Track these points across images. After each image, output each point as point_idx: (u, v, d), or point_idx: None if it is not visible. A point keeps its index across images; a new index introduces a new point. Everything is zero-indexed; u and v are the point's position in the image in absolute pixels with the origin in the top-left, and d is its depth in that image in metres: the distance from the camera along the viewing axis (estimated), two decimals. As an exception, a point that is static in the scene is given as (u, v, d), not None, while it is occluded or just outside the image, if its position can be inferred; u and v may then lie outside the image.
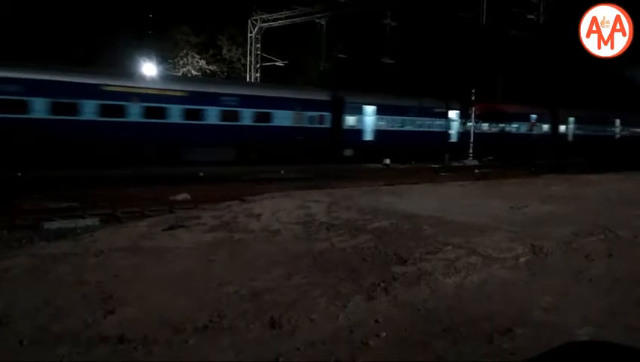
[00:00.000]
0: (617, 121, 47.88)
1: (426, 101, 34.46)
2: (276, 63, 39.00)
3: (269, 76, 38.96)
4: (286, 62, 39.13)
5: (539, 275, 5.41)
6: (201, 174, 21.47)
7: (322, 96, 30.80)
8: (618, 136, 48.27)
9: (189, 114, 25.43)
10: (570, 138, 42.51)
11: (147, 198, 14.51)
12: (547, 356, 2.32)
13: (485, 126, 38.08)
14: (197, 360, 3.54)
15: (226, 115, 26.57)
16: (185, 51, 39.92)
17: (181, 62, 39.77)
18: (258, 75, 39.39)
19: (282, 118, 28.45)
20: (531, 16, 33.91)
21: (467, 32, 34.42)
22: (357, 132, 31.44)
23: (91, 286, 4.86)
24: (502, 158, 34.14)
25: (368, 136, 31.92)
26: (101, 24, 32.73)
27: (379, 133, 32.12)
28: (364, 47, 39.25)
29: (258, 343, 3.75)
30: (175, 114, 25.02)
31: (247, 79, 38.85)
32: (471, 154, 34.99)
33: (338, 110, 30.68)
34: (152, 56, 33.40)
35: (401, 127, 33.37)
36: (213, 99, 26.28)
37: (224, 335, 3.85)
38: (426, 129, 34.50)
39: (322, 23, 38.99)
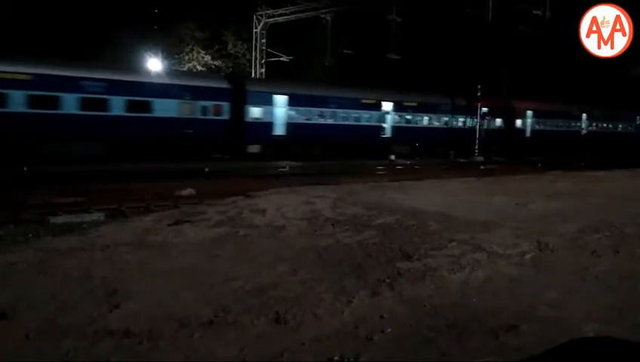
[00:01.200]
0: (583, 116, 45.08)
1: (351, 91, 31.80)
2: (281, 59, 38.92)
3: (275, 72, 38.90)
4: (291, 57, 39.03)
5: (544, 271, 5.40)
6: (207, 169, 21.49)
7: (219, 84, 27.48)
8: (584, 132, 45.32)
9: (36, 101, 21.28)
10: (528, 134, 40.35)
11: (152, 193, 14.54)
12: (552, 352, 2.31)
13: (425, 120, 34.90)
14: (202, 354, 3.55)
15: (88, 104, 22.60)
16: (190, 46, 39.91)
17: (186, 58, 39.76)
18: (263, 70, 39.34)
19: (165, 108, 24.64)
20: (537, 12, 33.71)
21: (473, 28, 34.27)
22: (264, 125, 27.79)
23: (97, 280, 4.88)
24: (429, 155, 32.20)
25: (279, 130, 28.34)
26: (106, 19, 32.75)
27: (292, 126, 28.58)
28: (369, 42, 39.12)
29: (263, 338, 3.76)
30: (17, 102, 20.98)
31: (253, 74, 38.79)
32: (477, 151, 34.87)
33: (240, 100, 27.28)
34: (157, 52, 33.39)
35: (321, 119, 29.92)
36: (70, 84, 22.12)
37: (229, 330, 3.86)
38: (352, 122, 31.13)
39: (328, 18, 38.84)
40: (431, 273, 5.10)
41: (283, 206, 8.43)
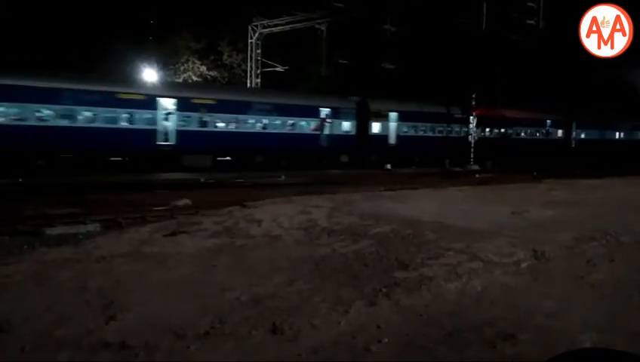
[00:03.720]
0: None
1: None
2: (277, 69, 39.03)
3: (270, 82, 38.98)
4: (286, 67, 39.15)
5: (541, 280, 5.40)
6: (202, 180, 21.46)
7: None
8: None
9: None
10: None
11: (148, 204, 14.48)
12: (550, 362, 2.31)
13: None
14: (199, 366, 3.54)
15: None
16: (185, 57, 39.99)
17: (182, 68, 39.82)
18: (259, 80, 39.43)
19: None
20: (531, 22, 33.96)
21: (467, 38, 34.46)
22: None
23: (93, 292, 4.86)
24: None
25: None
26: (101, 30, 32.79)
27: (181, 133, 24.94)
28: (364, 52, 39.30)
29: (260, 349, 3.75)
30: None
31: (248, 85, 38.89)
32: (472, 160, 34.93)
33: None
34: (152, 62, 33.43)
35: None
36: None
37: (226, 341, 3.84)
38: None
39: (322, 28, 39.03)
40: (427, 282, 5.10)
41: (279, 216, 8.43)
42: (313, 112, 29.45)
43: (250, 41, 39.12)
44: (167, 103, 24.84)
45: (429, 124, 34.41)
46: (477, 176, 27.93)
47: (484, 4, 32.45)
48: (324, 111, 29.62)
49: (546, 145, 40.40)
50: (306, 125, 29.19)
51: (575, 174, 24.06)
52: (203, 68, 40.52)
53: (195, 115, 25.68)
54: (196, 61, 40.35)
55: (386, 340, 3.87)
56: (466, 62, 34.51)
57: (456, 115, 35.43)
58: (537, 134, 41.09)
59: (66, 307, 4.47)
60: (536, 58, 38.66)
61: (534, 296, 4.93)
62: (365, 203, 10.14)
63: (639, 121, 48.66)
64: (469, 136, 35.25)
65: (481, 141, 36.13)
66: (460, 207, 10.03)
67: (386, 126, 32.46)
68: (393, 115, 32.62)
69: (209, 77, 40.65)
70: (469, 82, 34.29)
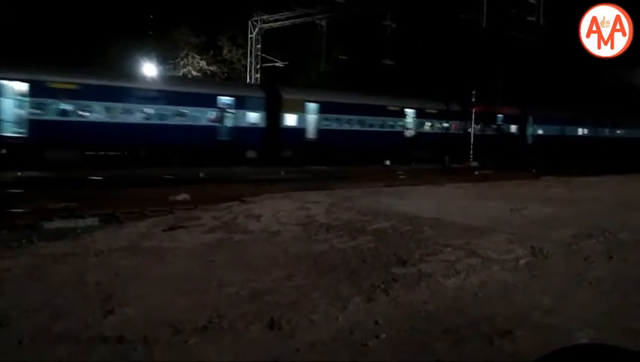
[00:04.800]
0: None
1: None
2: (276, 64, 38.98)
3: (270, 77, 38.95)
4: (286, 63, 39.11)
5: (539, 277, 5.41)
6: (202, 175, 21.44)
7: None
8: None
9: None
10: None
11: (147, 199, 14.46)
12: (547, 358, 2.31)
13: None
14: (197, 360, 3.54)
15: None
16: (185, 52, 39.92)
17: (181, 63, 39.76)
18: (258, 75, 39.40)
19: None
20: (531, 18, 33.91)
21: (467, 34, 34.40)
22: None
23: (91, 286, 4.86)
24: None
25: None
26: (101, 25, 32.73)
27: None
28: (364, 48, 39.26)
29: (258, 344, 3.75)
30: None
31: (248, 80, 38.86)
32: (472, 156, 34.91)
33: None
34: (152, 57, 33.36)
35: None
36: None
37: (224, 335, 3.85)
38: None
39: (322, 24, 38.98)
40: (426, 278, 5.11)
41: (278, 211, 8.44)
42: (210, 101, 26.12)
43: (250, 36, 39.06)
44: (16, 87, 21.28)
45: (359, 117, 31.03)
46: (476, 172, 27.89)
47: (484, 1, 32.39)
48: (224, 100, 26.31)
49: (495, 141, 36.76)
50: (201, 116, 25.77)
51: (573, 171, 24.08)
52: (203, 63, 40.47)
53: (53, 101, 21.67)
54: (196, 56, 40.29)
55: (384, 336, 3.88)
56: (466, 59, 34.46)
57: (391, 108, 32.32)
58: (486, 130, 37.27)
59: (64, 301, 4.47)
60: (536, 55, 38.60)
61: (532, 292, 4.94)
62: (364, 199, 10.15)
63: (616, 118, 46.70)
64: (406, 132, 32.75)
65: (420, 136, 33.33)
66: (459, 204, 10.04)
67: (303, 118, 29.06)
68: (312, 106, 29.24)
69: (209, 72, 40.61)
70: (469, 78, 34.23)
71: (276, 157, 27.32)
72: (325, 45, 39.70)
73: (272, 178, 21.22)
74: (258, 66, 39.42)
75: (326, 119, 29.73)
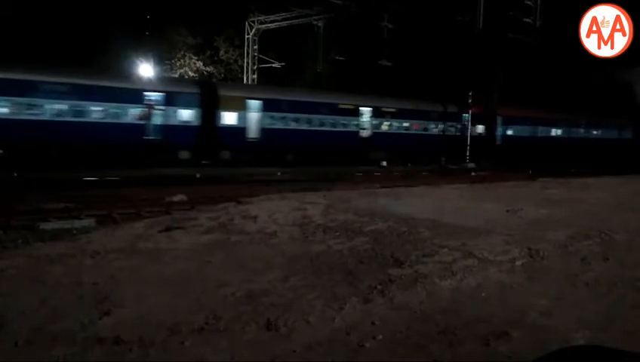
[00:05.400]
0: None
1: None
2: (273, 65, 39.00)
3: (267, 78, 38.95)
4: (283, 63, 39.12)
5: (535, 278, 5.41)
6: (198, 175, 21.44)
7: None
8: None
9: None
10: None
11: (143, 199, 14.48)
12: (543, 360, 2.31)
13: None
14: (193, 361, 3.53)
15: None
16: (182, 52, 39.91)
17: (178, 64, 39.74)
18: (255, 76, 39.41)
19: None
20: (528, 20, 33.97)
21: (464, 35, 34.45)
22: None
23: (87, 287, 4.85)
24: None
25: None
26: (98, 25, 32.68)
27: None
28: (361, 49, 39.29)
29: (254, 345, 3.74)
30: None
31: (245, 81, 38.85)
32: (468, 157, 34.96)
33: None
34: (149, 57, 33.34)
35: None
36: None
37: (220, 337, 3.84)
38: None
39: (319, 24, 38.98)
40: (422, 279, 5.11)
41: (274, 212, 8.43)
42: (135, 97, 24.29)
43: (246, 36, 39.07)
44: None
45: (308, 116, 29.42)
46: (472, 174, 27.92)
47: (481, 2, 32.44)
48: (152, 97, 24.58)
49: (459, 142, 35.45)
50: (123, 113, 23.95)
51: (570, 173, 24.15)
52: (199, 63, 40.45)
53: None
54: (193, 56, 40.28)
55: (381, 337, 3.88)
56: (463, 60, 34.50)
57: (343, 106, 30.91)
58: (452, 130, 35.94)
59: (60, 302, 4.46)
60: (533, 56, 38.68)
61: (528, 293, 4.94)
62: (361, 200, 10.14)
63: (592, 119, 45.45)
64: (362, 132, 31.44)
65: (377, 137, 31.96)
66: (456, 205, 10.05)
67: (244, 116, 27.24)
68: (254, 104, 27.59)
69: (205, 72, 40.59)
70: (466, 79, 34.25)
71: (213, 158, 25.78)
72: (322, 46, 39.69)
73: (269, 178, 21.24)
74: (255, 67, 39.44)
75: (270, 118, 28.08)
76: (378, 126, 32.53)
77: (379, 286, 4.86)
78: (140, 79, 26.26)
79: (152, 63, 33.07)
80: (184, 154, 25.36)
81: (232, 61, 42.00)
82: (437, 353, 3.66)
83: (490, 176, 24.63)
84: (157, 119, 24.78)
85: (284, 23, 37.73)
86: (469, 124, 35.51)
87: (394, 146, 31.93)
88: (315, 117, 29.60)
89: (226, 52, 41.74)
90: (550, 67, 40.08)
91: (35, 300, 4.47)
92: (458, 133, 35.84)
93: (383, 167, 29.48)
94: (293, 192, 11.99)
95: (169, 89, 25.78)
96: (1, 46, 27.72)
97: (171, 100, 25.23)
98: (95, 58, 31.79)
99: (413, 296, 4.75)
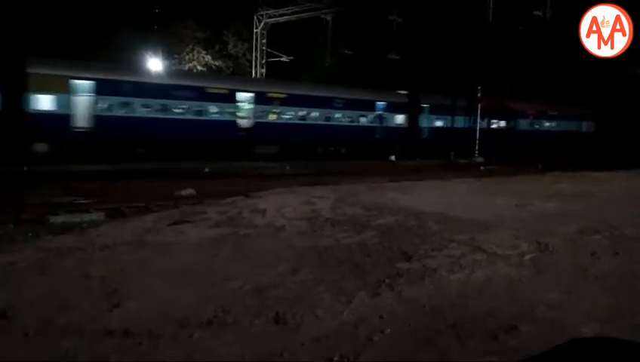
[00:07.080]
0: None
1: None
2: (282, 59, 38.97)
3: (275, 72, 38.93)
4: (291, 57, 39.08)
5: (544, 272, 5.39)
6: (207, 170, 21.47)
7: None
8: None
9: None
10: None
11: (152, 193, 14.51)
12: (552, 353, 2.31)
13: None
14: (201, 354, 3.55)
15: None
16: (191, 46, 39.95)
17: (187, 58, 39.79)
18: (264, 70, 39.39)
19: None
20: (538, 13, 33.73)
21: (473, 29, 34.24)
22: None
23: (96, 280, 4.88)
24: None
25: None
26: (107, 19, 32.75)
27: None
28: (370, 43, 39.17)
29: (262, 338, 3.75)
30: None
31: (253, 75, 38.85)
32: (477, 152, 34.79)
33: None
34: (157, 52, 33.40)
35: None
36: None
37: (228, 330, 3.86)
38: None
39: (328, 18, 38.92)
40: (430, 273, 5.10)
41: (283, 206, 8.43)
42: None
43: (255, 30, 39.06)
44: None
45: (162, 101, 24.57)
46: (481, 168, 27.79)
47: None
48: None
49: (373, 134, 32.06)
50: None
51: (580, 167, 23.99)
52: (208, 57, 40.48)
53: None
54: (201, 50, 40.32)
55: (389, 330, 3.88)
56: (473, 53, 34.29)
57: (213, 90, 26.27)
58: (362, 119, 31.89)
59: (70, 295, 4.49)
60: (543, 49, 38.38)
61: (537, 287, 4.92)
62: (369, 194, 10.13)
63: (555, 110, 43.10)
64: (241, 121, 27.06)
65: (262, 127, 27.39)
66: (464, 199, 10.02)
67: (68, 101, 22.02)
68: (83, 85, 22.39)
69: (214, 66, 40.61)
70: (475, 73, 34.03)
71: (23, 152, 20.53)
72: (331, 40, 39.62)
73: (278, 173, 21.25)
74: (263, 61, 39.44)
75: (107, 103, 23.08)
76: (264, 115, 27.76)
77: (387, 280, 4.85)
78: None
79: (160, 57, 33.13)
80: None
81: (240, 55, 42.01)
82: (445, 347, 3.65)
83: (499, 170, 24.51)
84: None
85: (292, 17, 37.68)
86: (478, 118, 35.27)
87: (287, 139, 27.41)
88: (172, 102, 24.83)
89: (235, 46, 41.75)
90: (561, 60, 39.72)
91: (45, 293, 4.50)
92: (370, 125, 32.30)
93: (392, 161, 29.39)
94: (302, 186, 12.00)
95: None
96: (5, 38, 27.70)
97: None
98: (102, 52, 31.83)
99: (422, 289, 4.74)
